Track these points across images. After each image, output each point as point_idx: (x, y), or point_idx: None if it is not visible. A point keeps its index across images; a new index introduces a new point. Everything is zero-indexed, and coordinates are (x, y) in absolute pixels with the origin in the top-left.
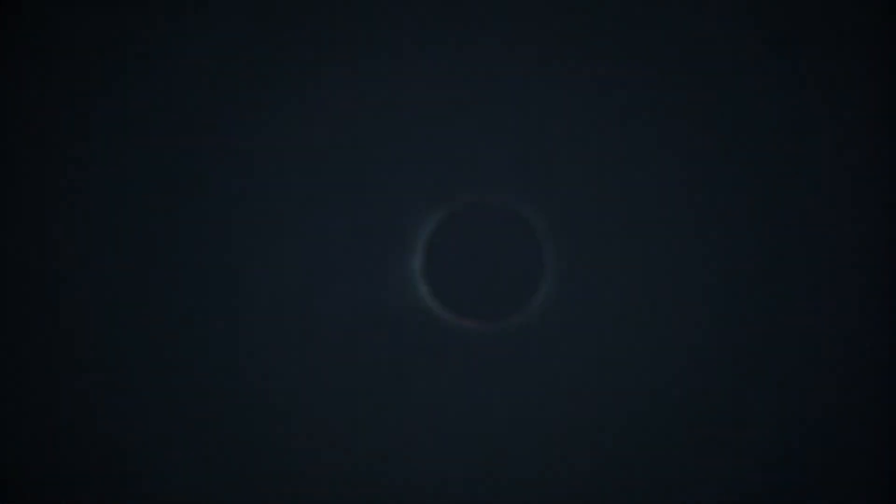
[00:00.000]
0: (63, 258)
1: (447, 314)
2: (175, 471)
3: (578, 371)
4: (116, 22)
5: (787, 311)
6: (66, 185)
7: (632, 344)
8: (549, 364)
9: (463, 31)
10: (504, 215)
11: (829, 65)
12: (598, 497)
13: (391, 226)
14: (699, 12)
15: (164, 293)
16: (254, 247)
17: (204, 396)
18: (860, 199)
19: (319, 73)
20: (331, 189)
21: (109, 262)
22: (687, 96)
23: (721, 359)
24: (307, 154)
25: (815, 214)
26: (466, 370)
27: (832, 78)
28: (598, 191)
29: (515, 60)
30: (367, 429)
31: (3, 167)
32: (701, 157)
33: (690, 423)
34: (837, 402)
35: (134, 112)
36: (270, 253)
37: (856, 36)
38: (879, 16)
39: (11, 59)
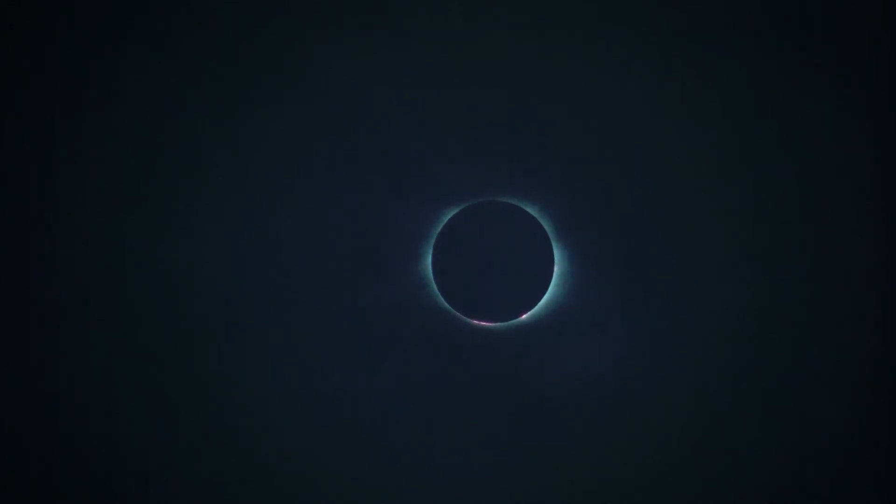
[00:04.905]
0: (63, 258)
1: (458, 313)
2: (192, 470)
3: (585, 370)
4: (120, 22)
5: (789, 311)
6: (68, 185)
7: (637, 343)
8: (554, 363)
9: (472, 36)
10: (514, 216)
11: (829, 66)
12: (601, 493)
13: (402, 227)
14: (702, 14)
15: (180, 293)
16: (266, 248)
17: (216, 396)
18: (861, 200)
19: (336, 78)
20: (344, 191)
21: (133, 262)
22: (691, 98)
23: (725, 358)
24: (322, 158)
25: (816, 215)
26: (476, 368)
27: (834, 78)
28: (606, 192)
29: (524, 64)
30: (376, 425)
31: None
32: (703, 157)
33: (694, 420)
34: (839, 403)
35: (153, 109)
36: (283, 253)
37: (856, 36)
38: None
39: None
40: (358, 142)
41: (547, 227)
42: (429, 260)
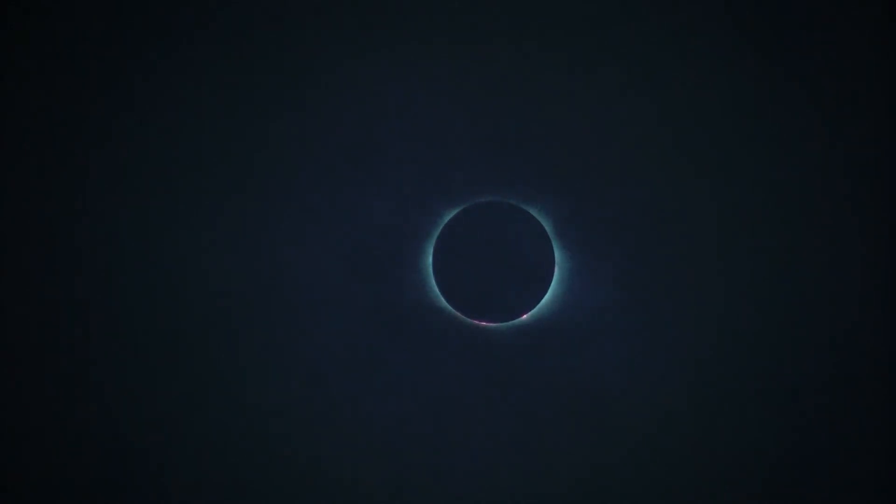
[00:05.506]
0: (63, 258)
1: (459, 314)
2: (192, 471)
3: (585, 370)
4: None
5: (789, 310)
6: (68, 185)
7: (637, 343)
8: (554, 363)
9: (474, 37)
10: (514, 216)
11: (829, 66)
12: (601, 493)
13: (404, 226)
14: (702, 14)
15: (180, 293)
16: (266, 248)
17: (215, 396)
18: (862, 200)
19: (337, 79)
20: (344, 191)
21: (133, 262)
22: (692, 98)
23: (725, 358)
24: (322, 158)
25: (816, 215)
26: (476, 368)
27: (834, 78)
28: (606, 192)
29: (524, 64)
30: (375, 425)
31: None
32: (704, 157)
33: (695, 420)
34: (838, 403)
35: (153, 109)
36: (283, 254)
37: (856, 36)
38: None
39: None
40: (358, 142)
41: (547, 227)
42: (429, 260)
